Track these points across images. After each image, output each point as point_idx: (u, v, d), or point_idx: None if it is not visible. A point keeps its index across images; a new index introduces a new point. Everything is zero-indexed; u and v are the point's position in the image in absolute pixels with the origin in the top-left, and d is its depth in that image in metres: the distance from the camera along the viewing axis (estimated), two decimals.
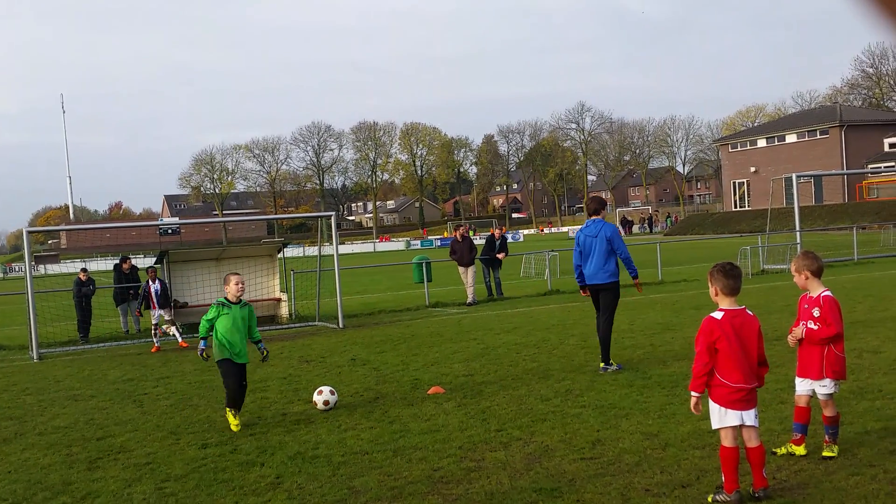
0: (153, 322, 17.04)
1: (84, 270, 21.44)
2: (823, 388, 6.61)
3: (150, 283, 17.18)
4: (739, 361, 5.71)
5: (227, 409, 9.06)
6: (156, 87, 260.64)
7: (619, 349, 12.48)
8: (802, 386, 6.68)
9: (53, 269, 65.13)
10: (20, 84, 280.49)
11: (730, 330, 5.73)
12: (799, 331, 6.65)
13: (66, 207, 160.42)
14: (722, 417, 5.74)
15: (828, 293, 6.64)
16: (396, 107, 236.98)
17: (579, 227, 12.30)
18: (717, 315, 5.80)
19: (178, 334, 17.11)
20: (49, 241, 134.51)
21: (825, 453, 6.48)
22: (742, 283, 6.04)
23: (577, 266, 11.11)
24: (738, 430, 5.76)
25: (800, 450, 6.58)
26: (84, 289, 20.06)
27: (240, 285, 9.27)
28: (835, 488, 5.78)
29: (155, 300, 17.01)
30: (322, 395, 9.62)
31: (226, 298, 9.26)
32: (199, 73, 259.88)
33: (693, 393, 5.87)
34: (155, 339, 16.82)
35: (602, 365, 10.86)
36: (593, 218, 11.05)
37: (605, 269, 10.86)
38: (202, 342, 9.42)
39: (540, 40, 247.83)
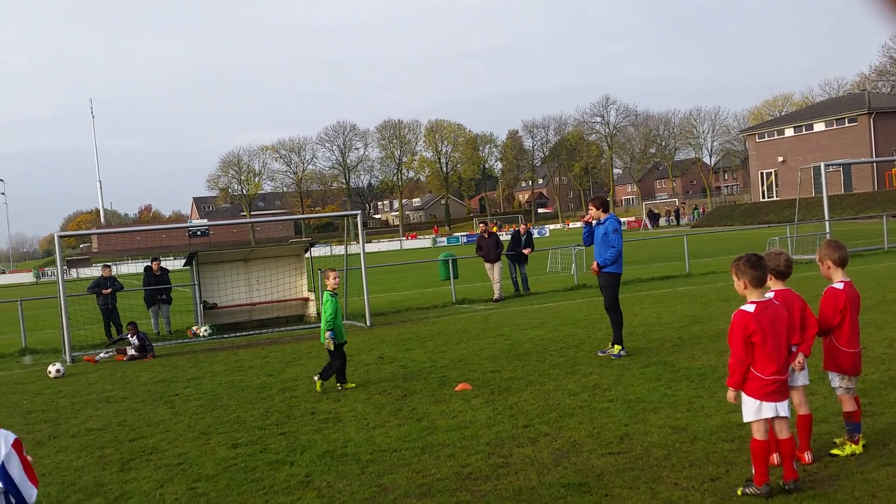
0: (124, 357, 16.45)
1: (107, 266, 21.71)
2: (831, 381, 6.56)
3: (130, 336, 16.70)
4: (773, 353, 5.65)
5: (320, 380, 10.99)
6: (183, 89, 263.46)
7: (646, 342, 12.45)
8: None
9: (85, 272, 66.02)
10: (52, 89, 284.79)
11: (764, 321, 5.67)
12: None
13: (97, 211, 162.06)
14: (757, 410, 5.68)
15: (833, 285, 6.52)
16: (420, 104, 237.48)
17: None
18: (749, 308, 5.72)
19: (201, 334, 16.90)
20: (81, 245, 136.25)
21: (833, 450, 6.34)
22: (768, 272, 6.00)
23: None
24: (770, 422, 5.72)
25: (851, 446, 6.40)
26: (103, 281, 20.33)
27: (337, 279, 11.28)
28: (865, 479, 5.72)
29: (134, 353, 16.37)
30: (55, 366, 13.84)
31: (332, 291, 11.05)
32: (226, 76, 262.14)
33: (731, 388, 5.83)
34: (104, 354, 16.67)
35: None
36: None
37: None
38: (330, 333, 11.09)
39: (568, 33, 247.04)
